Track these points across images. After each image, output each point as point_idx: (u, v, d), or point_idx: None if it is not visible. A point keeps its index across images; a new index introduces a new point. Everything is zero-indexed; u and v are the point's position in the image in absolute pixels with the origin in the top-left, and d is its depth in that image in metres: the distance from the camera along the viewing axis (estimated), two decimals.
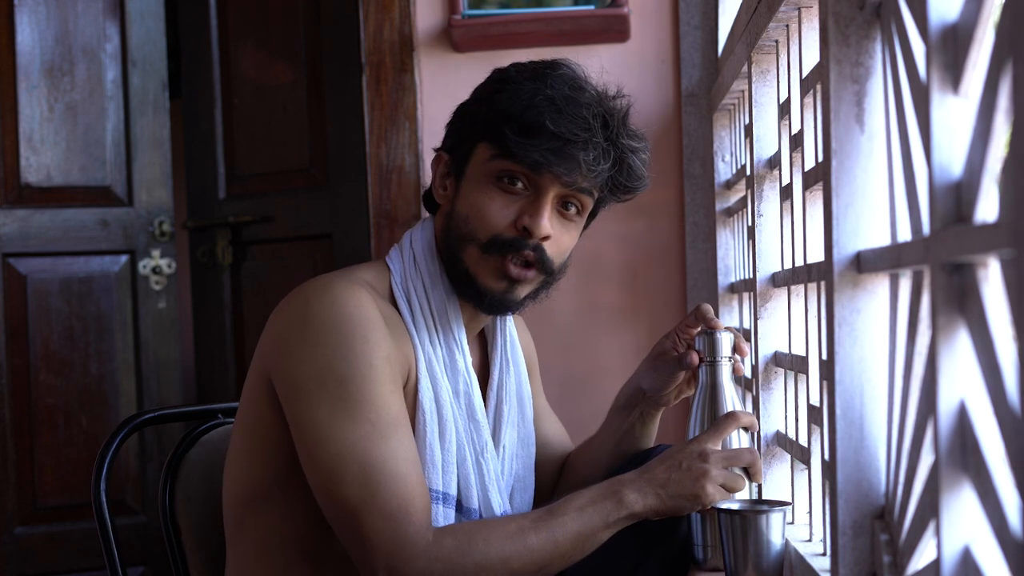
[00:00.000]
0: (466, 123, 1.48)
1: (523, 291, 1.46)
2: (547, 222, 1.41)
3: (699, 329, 1.51)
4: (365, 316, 1.37)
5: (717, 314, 2.14)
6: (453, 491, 1.44)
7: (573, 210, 1.46)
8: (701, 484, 1.38)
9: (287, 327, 1.39)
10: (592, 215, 1.53)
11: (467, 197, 1.45)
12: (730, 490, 1.40)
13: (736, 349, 1.49)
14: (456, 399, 1.47)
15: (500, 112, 1.41)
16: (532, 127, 1.38)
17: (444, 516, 1.42)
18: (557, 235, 1.44)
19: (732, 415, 1.44)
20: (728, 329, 1.50)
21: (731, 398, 1.49)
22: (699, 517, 1.47)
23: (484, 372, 1.57)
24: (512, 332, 1.60)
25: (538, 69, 1.45)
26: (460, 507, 1.46)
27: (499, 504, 1.50)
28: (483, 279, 1.44)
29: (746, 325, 2.08)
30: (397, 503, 1.31)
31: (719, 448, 1.42)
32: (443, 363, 1.46)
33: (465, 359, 1.48)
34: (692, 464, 1.39)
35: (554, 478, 1.71)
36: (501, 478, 1.53)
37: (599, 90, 1.45)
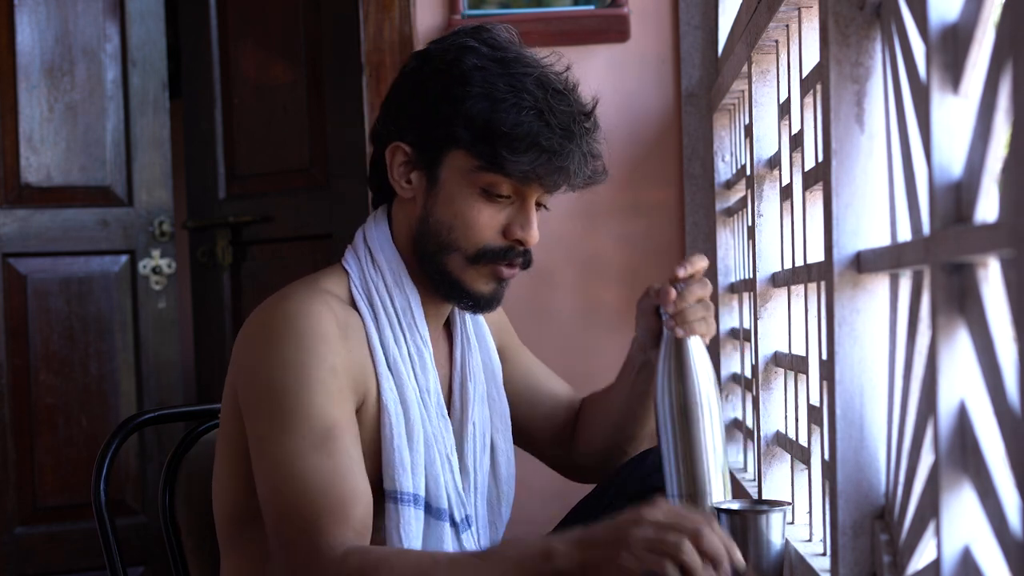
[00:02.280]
0: (432, 122, 1.43)
1: (508, 286, 1.49)
2: (537, 229, 1.44)
3: (662, 285, 1.43)
4: (312, 329, 1.37)
5: (717, 314, 2.14)
6: (423, 492, 1.43)
7: (542, 207, 1.48)
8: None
9: (245, 347, 1.42)
10: None
11: (449, 205, 1.43)
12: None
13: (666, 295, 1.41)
14: (427, 396, 1.46)
15: (482, 123, 1.39)
16: (523, 143, 1.38)
17: (416, 518, 1.42)
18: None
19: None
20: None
21: (692, 346, 1.40)
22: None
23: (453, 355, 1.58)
24: None
25: (502, 63, 1.41)
26: (429, 508, 1.45)
27: (471, 504, 1.51)
28: (473, 284, 1.45)
29: (746, 325, 2.08)
30: (312, 515, 1.31)
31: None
32: (409, 361, 1.45)
33: (431, 357, 1.48)
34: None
35: (571, 424, 1.71)
36: (478, 475, 1.53)
37: (567, 85, 1.44)
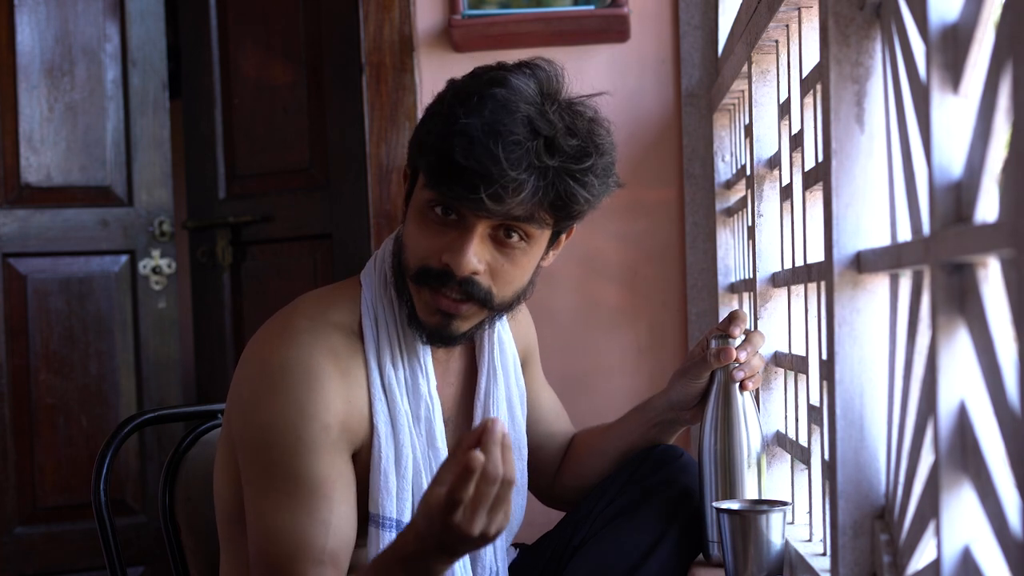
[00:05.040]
0: (412, 143, 1.43)
1: (463, 324, 1.41)
2: (470, 257, 1.34)
3: (715, 333, 1.54)
4: (309, 384, 1.36)
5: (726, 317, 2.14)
6: (407, 518, 1.42)
7: (516, 238, 1.37)
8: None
9: (242, 380, 1.41)
10: (557, 235, 1.45)
11: (407, 225, 1.42)
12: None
13: (727, 354, 1.53)
14: (416, 424, 1.45)
15: (427, 140, 1.36)
16: (445, 159, 1.31)
17: None
18: (496, 266, 1.38)
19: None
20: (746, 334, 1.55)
21: (744, 399, 1.54)
22: (715, 514, 1.48)
23: (474, 376, 1.57)
24: (501, 337, 1.58)
25: (470, 90, 1.35)
26: None
27: None
28: (419, 311, 1.41)
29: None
30: (288, 569, 1.33)
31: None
32: (404, 386, 1.44)
33: (428, 384, 1.46)
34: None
35: (557, 455, 1.72)
36: None
37: (534, 111, 1.33)
